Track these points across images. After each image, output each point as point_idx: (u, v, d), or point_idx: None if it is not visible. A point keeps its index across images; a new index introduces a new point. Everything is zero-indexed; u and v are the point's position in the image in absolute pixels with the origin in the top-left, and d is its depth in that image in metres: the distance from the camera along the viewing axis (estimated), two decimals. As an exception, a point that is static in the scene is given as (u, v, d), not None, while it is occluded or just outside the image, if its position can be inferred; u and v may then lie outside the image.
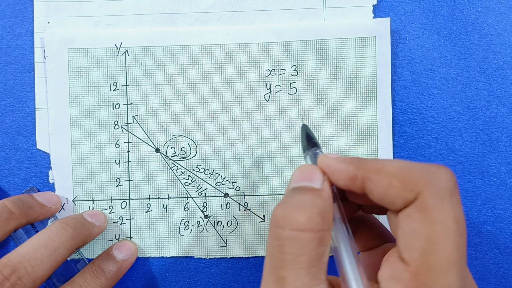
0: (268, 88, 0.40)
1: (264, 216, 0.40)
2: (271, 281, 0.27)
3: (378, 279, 0.27)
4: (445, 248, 0.24)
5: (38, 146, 0.41)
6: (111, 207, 0.40)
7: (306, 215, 0.26)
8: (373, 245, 0.31)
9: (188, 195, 0.40)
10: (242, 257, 0.41)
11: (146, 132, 0.40)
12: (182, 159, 0.40)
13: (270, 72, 0.40)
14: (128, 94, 0.40)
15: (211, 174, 0.40)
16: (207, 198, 0.40)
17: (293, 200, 0.28)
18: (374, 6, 0.40)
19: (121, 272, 0.39)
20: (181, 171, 0.40)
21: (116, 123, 0.40)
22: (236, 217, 0.40)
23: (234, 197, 0.40)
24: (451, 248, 0.24)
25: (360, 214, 0.33)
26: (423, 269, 0.25)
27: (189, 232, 0.40)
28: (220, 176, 0.40)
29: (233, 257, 0.41)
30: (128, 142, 0.40)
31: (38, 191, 0.40)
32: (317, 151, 0.31)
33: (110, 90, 0.40)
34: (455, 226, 0.25)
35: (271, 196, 0.40)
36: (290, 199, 0.28)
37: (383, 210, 0.28)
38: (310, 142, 0.32)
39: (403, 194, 0.26)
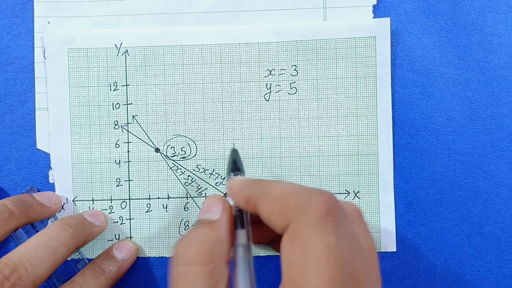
0: (268, 88, 0.40)
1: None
2: None
3: None
4: (314, 276, 0.24)
5: (38, 146, 0.41)
6: (111, 207, 0.40)
7: (194, 250, 0.27)
8: None
9: (188, 195, 0.40)
10: (242, 257, 0.41)
11: (146, 132, 0.40)
12: (182, 159, 0.40)
13: (270, 72, 0.40)
14: (128, 94, 0.40)
15: (211, 174, 0.40)
16: (207, 198, 0.40)
17: (189, 235, 0.29)
18: (374, 6, 0.40)
19: (121, 272, 0.39)
20: (181, 171, 0.40)
21: (116, 123, 0.40)
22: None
23: (234, 197, 0.40)
24: (320, 276, 0.24)
25: None
26: None
27: (189, 232, 0.40)
28: (220, 176, 0.40)
29: (232, 256, 0.41)
30: (128, 142, 0.40)
31: (38, 191, 0.40)
32: (239, 175, 0.32)
33: (110, 90, 0.40)
34: (325, 254, 0.24)
35: (271, 196, 0.40)
36: (188, 234, 0.29)
37: None
38: (234, 166, 0.33)
39: (280, 221, 0.26)
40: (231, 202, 0.31)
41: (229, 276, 0.28)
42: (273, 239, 0.33)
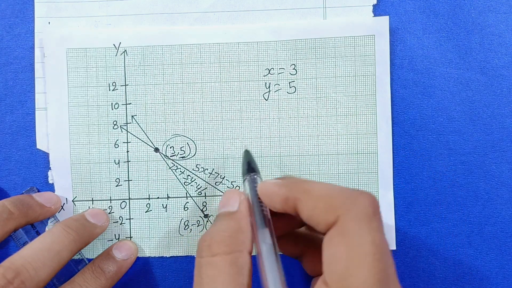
0: (267, 87, 0.40)
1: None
2: None
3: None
4: (361, 271, 0.25)
5: (38, 146, 0.41)
6: (110, 207, 0.40)
7: (217, 240, 0.29)
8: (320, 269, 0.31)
9: (188, 195, 0.40)
10: (241, 257, 0.41)
11: (145, 132, 0.40)
12: (181, 158, 0.40)
13: (269, 71, 0.40)
14: (127, 94, 0.40)
15: (211, 173, 0.40)
16: (206, 197, 0.40)
17: (211, 229, 0.30)
18: (374, 5, 0.40)
19: (121, 272, 0.39)
20: (180, 171, 0.40)
21: (115, 123, 0.40)
22: (235, 217, 0.40)
23: (233, 197, 0.40)
24: (367, 272, 0.25)
25: (310, 236, 0.35)
26: None
27: (189, 231, 0.40)
28: (219, 176, 0.40)
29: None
30: (127, 142, 0.40)
31: (38, 191, 0.40)
32: (255, 176, 0.33)
33: (109, 90, 0.40)
34: (372, 250, 0.25)
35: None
36: (211, 228, 0.30)
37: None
38: (249, 167, 0.34)
39: (326, 217, 0.27)
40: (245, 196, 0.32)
41: (251, 266, 0.29)
42: (283, 236, 0.34)
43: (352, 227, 0.26)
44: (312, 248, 0.35)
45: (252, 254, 0.30)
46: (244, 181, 0.34)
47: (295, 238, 0.35)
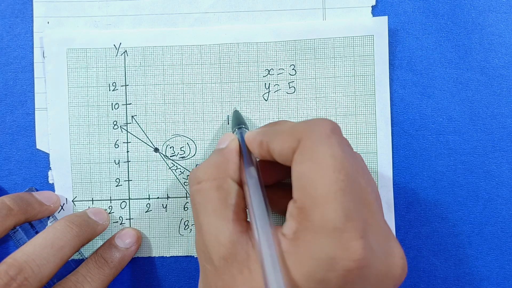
0: (267, 87, 0.40)
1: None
2: (196, 231, 0.31)
3: None
4: (322, 181, 0.27)
5: (38, 146, 0.41)
6: (110, 207, 0.40)
7: (203, 169, 0.32)
8: None
9: (188, 195, 0.40)
10: (241, 257, 0.41)
11: (145, 132, 0.40)
12: (181, 158, 0.40)
13: (269, 71, 0.40)
14: (127, 94, 0.40)
15: (211, 174, 0.40)
16: (206, 198, 0.40)
17: (201, 164, 0.34)
18: (373, 6, 0.40)
19: (124, 261, 0.39)
20: (180, 171, 0.40)
21: (115, 123, 0.40)
22: (235, 217, 0.40)
23: (233, 197, 0.40)
24: (328, 181, 0.27)
25: None
26: (305, 202, 0.27)
27: (189, 231, 0.40)
28: (219, 176, 0.40)
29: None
30: (127, 142, 0.40)
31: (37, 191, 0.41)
32: (243, 127, 0.36)
33: (109, 90, 0.40)
34: (332, 162, 0.27)
35: (271, 196, 0.40)
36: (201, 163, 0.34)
37: None
38: (239, 122, 0.37)
39: (291, 145, 0.29)
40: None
41: (241, 193, 0.31)
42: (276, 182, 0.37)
43: (311, 145, 0.28)
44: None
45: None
46: (233, 132, 0.36)
47: (282, 192, 0.36)
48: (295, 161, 0.29)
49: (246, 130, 0.36)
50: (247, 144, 0.33)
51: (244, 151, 0.33)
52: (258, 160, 0.33)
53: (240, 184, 0.32)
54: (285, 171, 0.35)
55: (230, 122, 0.40)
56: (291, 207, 0.29)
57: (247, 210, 0.31)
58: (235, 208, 0.30)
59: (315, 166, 0.28)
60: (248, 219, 0.31)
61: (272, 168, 0.35)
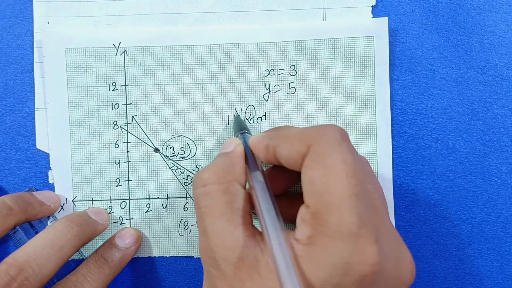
0: (267, 88, 0.40)
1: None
2: (200, 235, 0.31)
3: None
4: (336, 186, 0.27)
5: (38, 146, 0.41)
6: (110, 207, 0.40)
7: (209, 172, 0.31)
8: None
9: (188, 195, 0.40)
10: (241, 257, 0.41)
11: (145, 132, 0.40)
12: (181, 159, 0.40)
13: (269, 72, 0.40)
14: (127, 94, 0.40)
15: (211, 174, 0.40)
16: (206, 198, 0.40)
17: (206, 167, 0.33)
18: (373, 6, 0.40)
19: (124, 261, 0.39)
20: (180, 171, 0.40)
21: (115, 123, 0.40)
22: (235, 217, 0.40)
23: (233, 197, 0.40)
24: (341, 186, 0.27)
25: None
26: (319, 208, 0.28)
27: (188, 232, 0.40)
28: (219, 176, 0.40)
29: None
30: (127, 142, 0.40)
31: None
32: (246, 133, 0.36)
33: (109, 90, 0.40)
34: (344, 167, 0.28)
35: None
36: (205, 167, 0.33)
37: None
38: (241, 127, 0.37)
39: (300, 150, 0.29)
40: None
41: (247, 196, 0.31)
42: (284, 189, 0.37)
43: (323, 151, 0.28)
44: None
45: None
46: (237, 137, 0.36)
47: (290, 200, 0.36)
48: (306, 166, 0.29)
49: (249, 135, 0.36)
50: (252, 148, 0.33)
51: (249, 156, 0.33)
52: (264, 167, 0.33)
53: (244, 186, 0.32)
54: (291, 178, 0.35)
55: (232, 127, 0.40)
56: (303, 212, 0.29)
57: (253, 214, 0.31)
58: (242, 212, 0.30)
59: (328, 171, 0.28)
60: (254, 224, 0.31)
61: (278, 177, 0.35)
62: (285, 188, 0.36)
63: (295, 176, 0.34)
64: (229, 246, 0.29)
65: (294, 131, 0.31)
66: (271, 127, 0.40)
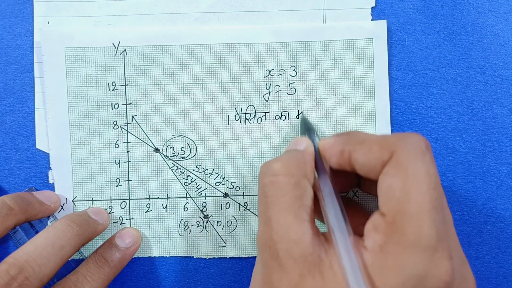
0: (268, 88, 0.40)
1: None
2: (261, 224, 0.30)
3: (363, 234, 0.29)
4: (418, 197, 0.27)
5: (38, 146, 0.41)
6: (110, 207, 0.40)
7: (282, 162, 0.31)
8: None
9: (188, 195, 0.40)
10: (242, 257, 0.41)
11: (145, 132, 0.40)
12: (181, 159, 0.40)
13: (270, 72, 0.40)
14: (127, 94, 0.40)
15: (211, 174, 0.40)
16: (206, 198, 0.40)
17: (275, 158, 0.32)
18: (372, 8, 0.40)
19: (124, 260, 0.39)
20: (180, 171, 0.40)
21: (115, 123, 0.40)
22: (235, 217, 0.40)
23: (233, 197, 0.40)
24: (423, 198, 0.27)
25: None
26: (397, 217, 0.27)
27: (188, 232, 0.40)
28: (219, 176, 0.40)
29: (232, 257, 0.41)
30: (127, 142, 0.40)
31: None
32: (315, 134, 0.35)
33: (109, 90, 0.40)
34: (427, 179, 0.27)
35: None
36: (274, 158, 0.32)
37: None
38: (307, 127, 0.37)
39: (380, 156, 0.29)
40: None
41: (313, 197, 0.31)
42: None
43: (407, 159, 0.28)
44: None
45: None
46: (305, 137, 0.36)
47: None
48: (386, 173, 0.28)
49: (318, 137, 0.35)
50: (323, 151, 0.33)
51: (317, 158, 0.33)
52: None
53: (312, 184, 0.31)
54: (343, 185, 0.35)
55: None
56: (377, 220, 0.28)
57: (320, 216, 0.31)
58: (309, 209, 0.30)
59: (410, 181, 0.27)
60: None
61: (341, 179, 0.35)
62: (342, 191, 0.36)
63: (348, 182, 0.35)
64: (294, 240, 0.28)
65: (373, 137, 0.31)
66: (271, 127, 0.40)
